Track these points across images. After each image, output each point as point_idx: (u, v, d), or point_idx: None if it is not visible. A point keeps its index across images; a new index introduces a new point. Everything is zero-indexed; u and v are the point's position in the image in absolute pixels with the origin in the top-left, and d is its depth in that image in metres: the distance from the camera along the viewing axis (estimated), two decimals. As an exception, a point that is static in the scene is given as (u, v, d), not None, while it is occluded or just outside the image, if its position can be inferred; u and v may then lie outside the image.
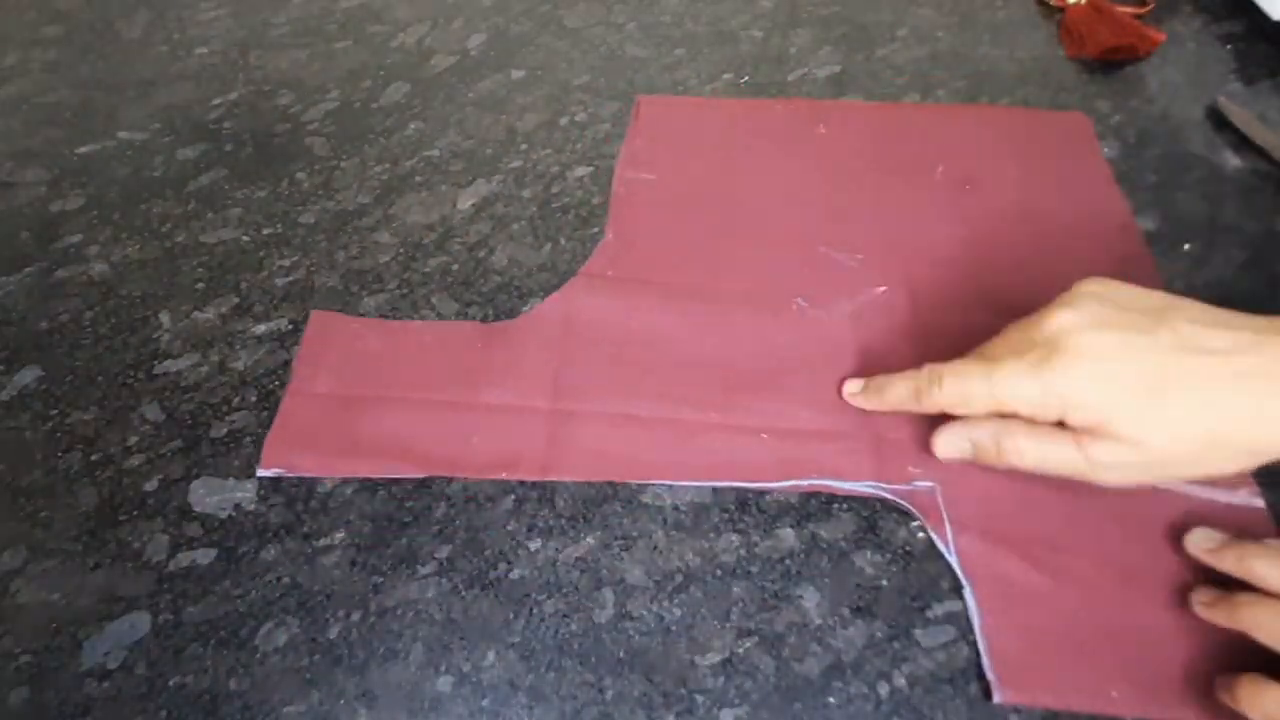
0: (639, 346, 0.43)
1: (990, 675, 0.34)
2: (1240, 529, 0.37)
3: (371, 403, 0.42)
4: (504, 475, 0.40)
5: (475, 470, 0.40)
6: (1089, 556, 0.36)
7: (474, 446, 0.40)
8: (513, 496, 0.39)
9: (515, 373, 0.43)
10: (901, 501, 0.38)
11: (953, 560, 0.37)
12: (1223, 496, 0.38)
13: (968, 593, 0.36)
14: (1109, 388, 0.32)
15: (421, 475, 0.40)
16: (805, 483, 0.39)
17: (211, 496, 0.39)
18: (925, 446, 0.39)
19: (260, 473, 0.40)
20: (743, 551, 0.38)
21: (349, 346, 0.44)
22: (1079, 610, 0.35)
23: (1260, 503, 0.38)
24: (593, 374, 0.43)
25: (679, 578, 0.37)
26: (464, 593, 0.37)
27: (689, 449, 0.40)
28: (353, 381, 0.42)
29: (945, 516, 0.38)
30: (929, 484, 0.39)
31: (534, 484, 0.40)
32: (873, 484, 0.39)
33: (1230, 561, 0.34)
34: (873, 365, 0.42)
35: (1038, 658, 0.34)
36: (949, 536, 0.37)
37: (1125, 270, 0.37)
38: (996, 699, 0.33)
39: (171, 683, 0.35)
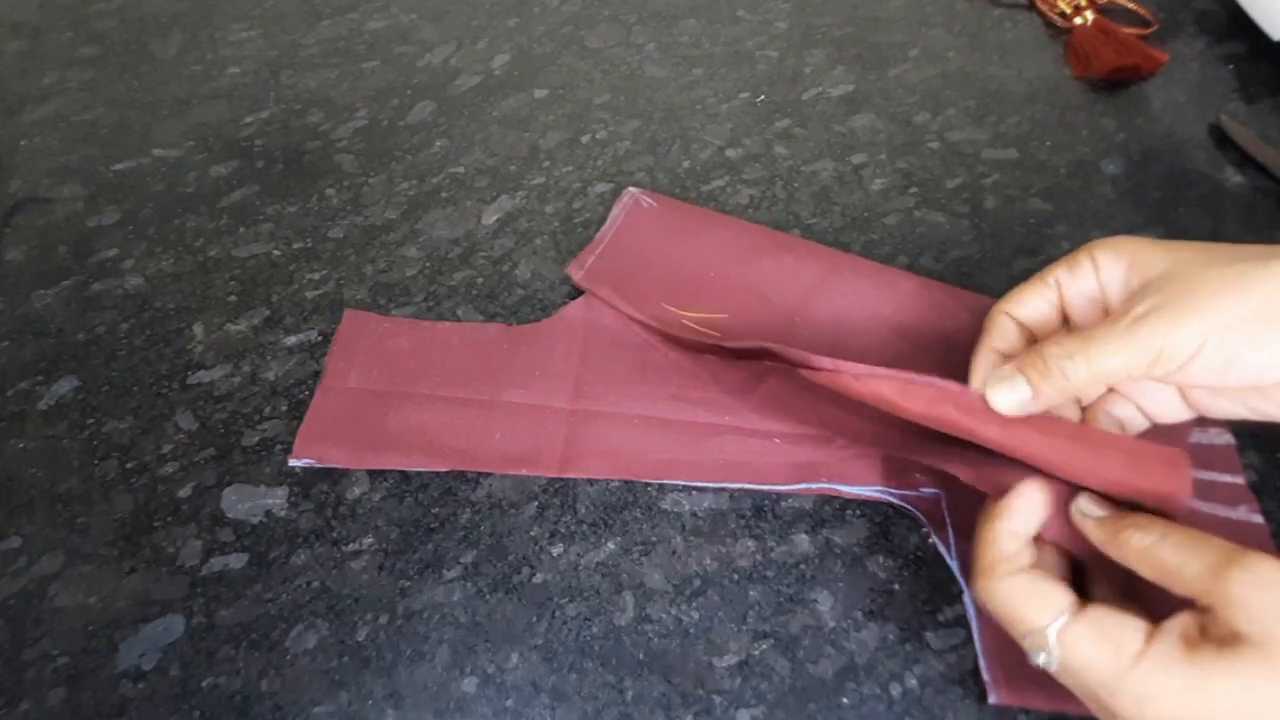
0: (659, 349, 0.44)
1: (986, 677, 0.34)
2: (1240, 546, 0.38)
3: (399, 398, 0.43)
4: (524, 471, 0.40)
5: (496, 465, 0.41)
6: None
7: (496, 443, 0.41)
8: (535, 503, 0.40)
9: (538, 373, 0.43)
10: (908, 506, 0.39)
11: (953, 564, 0.38)
12: (1222, 511, 0.38)
13: (967, 596, 0.37)
14: None
15: (446, 469, 0.41)
16: (816, 486, 0.40)
17: (243, 503, 0.40)
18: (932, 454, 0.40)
19: (292, 462, 0.41)
20: (759, 556, 0.38)
21: (380, 344, 0.45)
22: None
23: (1259, 519, 0.38)
24: (612, 376, 0.43)
25: (697, 582, 0.38)
26: (488, 596, 0.38)
27: (703, 450, 0.41)
28: (382, 378, 0.43)
29: (948, 522, 0.39)
30: (934, 491, 0.39)
31: (556, 491, 0.40)
32: (881, 489, 0.39)
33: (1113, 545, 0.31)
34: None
35: None
36: (951, 541, 0.38)
37: None
38: (991, 700, 0.34)
39: (204, 684, 0.35)
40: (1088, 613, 0.30)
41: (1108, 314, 0.35)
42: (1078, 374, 0.33)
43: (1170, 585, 0.29)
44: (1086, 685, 0.29)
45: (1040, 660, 0.30)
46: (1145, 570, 0.30)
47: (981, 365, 0.36)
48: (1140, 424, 0.36)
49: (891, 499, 0.39)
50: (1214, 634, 0.28)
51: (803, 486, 0.40)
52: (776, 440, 0.41)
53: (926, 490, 0.39)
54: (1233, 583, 0.27)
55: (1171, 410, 0.36)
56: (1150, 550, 0.30)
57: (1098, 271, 0.35)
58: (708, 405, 0.42)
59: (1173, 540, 0.29)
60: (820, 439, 0.41)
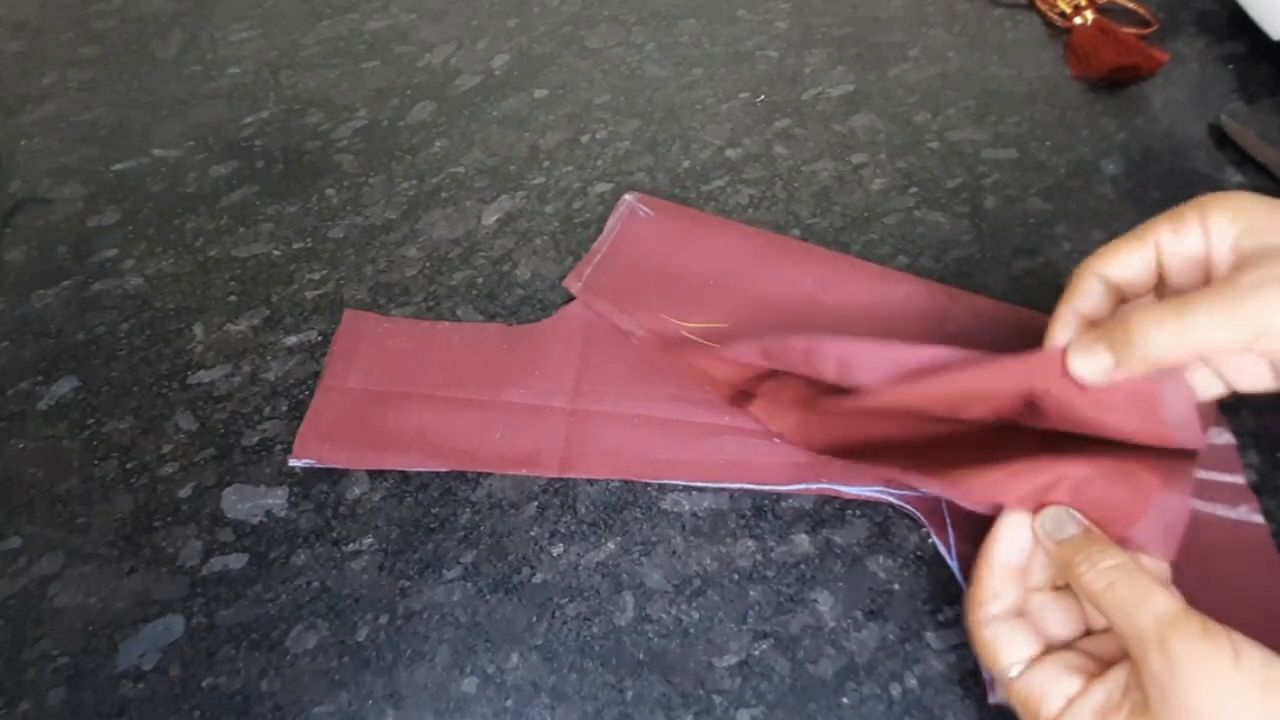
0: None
1: (986, 676, 0.34)
2: (1240, 545, 0.37)
3: (399, 398, 0.43)
4: (524, 471, 0.40)
5: (497, 465, 0.41)
6: None
7: (496, 443, 0.41)
8: (535, 503, 0.40)
9: (538, 373, 0.43)
10: (908, 507, 0.39)
11: (953, 564, 0.38)
12: (1222, 511, 0.38)
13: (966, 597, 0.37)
14: None
15: (445, 469, 0.41)
16: (816, 486, 0.40)
17: (243, 503, 0.40)
18: None
19: (292, 462, 0.41)
20: (759, 556, 0.38)
21: (379, 344, 0.45)
22: None
23: (1260, 519, 0.38)
24: (612, 375, 0.43)
25: (697, 582, 0.38)
26: (488, 596, 0.38)
27: (703, 450, 0.41)
28: (382, 378, 0.43)
29: (949, 522, 0.38)
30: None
31: (556, 491, 0.40)
32: (881, 489, 0.39)
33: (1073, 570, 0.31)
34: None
35: None
36: (951, 542, 0.38)
37: None
38: (992, 700, 0.34)
39: (204, 684, 0.36)
40: (1033, 669, 0.31)
41: (1209, 280, 0.32)
42: (1165, 345, 0.30)
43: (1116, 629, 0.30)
44: None
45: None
46: (1100, 610, 0.31)
47: (1061, 327, 0.34)
48: (1218, 391, 0.34)
49: (891, 499, 0.39)
50: (1134, 695, 0.29)
51: (803, 487, 0.40)
52: (777, 440, 0.41)
53: (927, 491, 0.39)
54: (1152, 656, 0.28)
55: (1256, 379, 0.33)
56: (1100, 594, 0.30)
57: (1206, 234, 0.31)
58: (708, 405, 0.42)
59: (1116, 590, 0.30)
60: None
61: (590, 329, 0.45)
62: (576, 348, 0.44)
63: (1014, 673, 0.31)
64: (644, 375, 0.43)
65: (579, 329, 0.45)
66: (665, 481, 0.40)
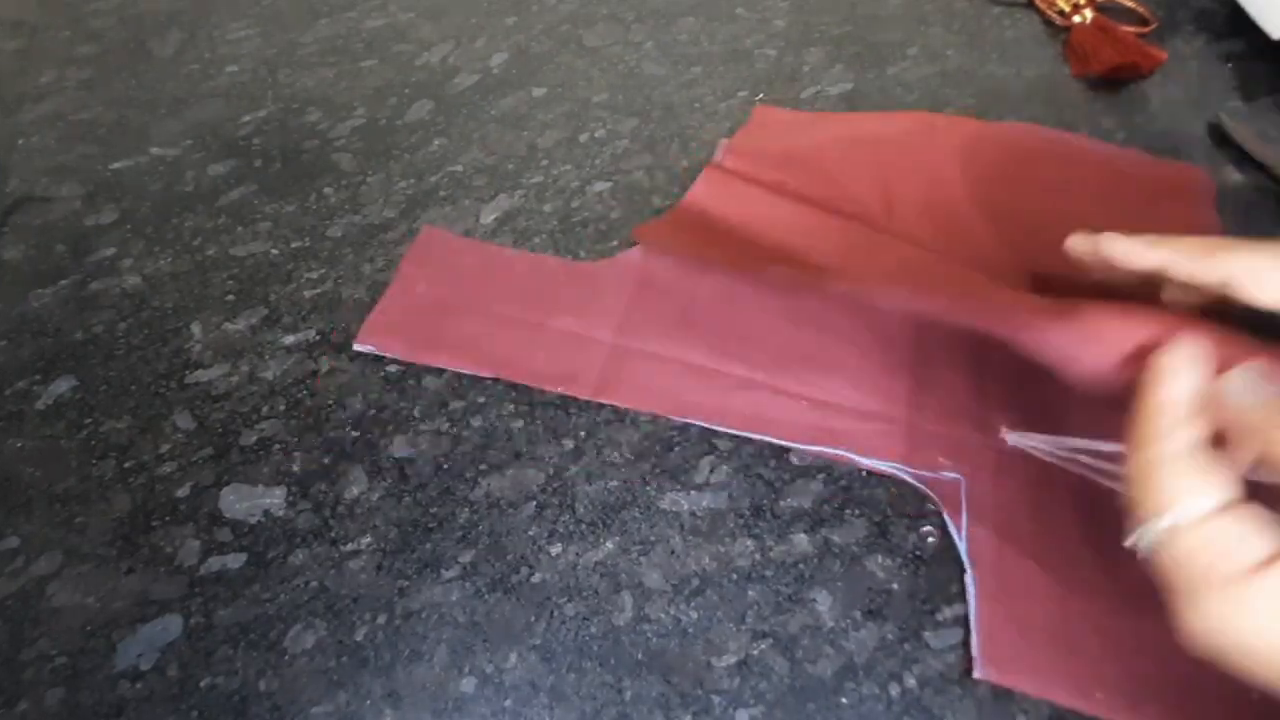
0: (705, 303, 0.46)
1: (975, 652, 0.35)
2: None
3: (459, 308, 0.46)
4: (561, 389, 0.43)
5: (536, 379, 0.44)
6: (1098, 567, 0.37)
7: (539, 360, 0.44)
8: (534, 503, 0.40)
9: (588, 306, 0.46)
10: (922, 486, 0.39)
11: (961, 546, 0.38)
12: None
13: (969, 576, 0.37)
14: None
15: (489, 374, 0.44)
16: (833, 451, 0.40)
17: (241, 503, 0.40)
18: (959, 440, 0.40)
19: (356, 346, 0.44)
20: (757, 556, 0.38)
21: (449, 259, 0.48)
22: (1078, 613, 0.36)
23: None
24: (658, 319, 0.45)
25: (695, 581, 0.38)
26: (487, 596, 0.38)
27: (731, 399, 0.42)
28: (446, 289, 0.47)
29: (964, 507, 0.39)
30: (955, 476, 0.39)
31: (555, 490, 0.40)
32: (897, 465, 0.40)
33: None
34: (930, 355, 0.43)
35: (1027, 646, 0.35)
36: (963, 524, 0.38)
37: None
38: (976, 674, 0.34)
39: (202, 684, 0.35)
40: (1221, 515, 0.27)
41: None
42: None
43: None
44: (1193, 581, 0.27)
45: (1143, 542, 0.28)
46: None
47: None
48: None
49: (907, 476, 0.40)
50: None
51: (819, 449, 0.41)
52: (804, 402, 0.42)
53: (947, 475, 0.40)
54: None
55: None
56: None
57: None
58: (743, 360, 0.44)
59: None
60: (846, 410, 0.42)
61: (644, 274, 0.47)
62: (628, 289, 0.46)
63: (1201, 510, 0.26)
64: (688, 323, 0.45)
65: (633, 273, 0.47)
66: (691, 421, 0.42)
